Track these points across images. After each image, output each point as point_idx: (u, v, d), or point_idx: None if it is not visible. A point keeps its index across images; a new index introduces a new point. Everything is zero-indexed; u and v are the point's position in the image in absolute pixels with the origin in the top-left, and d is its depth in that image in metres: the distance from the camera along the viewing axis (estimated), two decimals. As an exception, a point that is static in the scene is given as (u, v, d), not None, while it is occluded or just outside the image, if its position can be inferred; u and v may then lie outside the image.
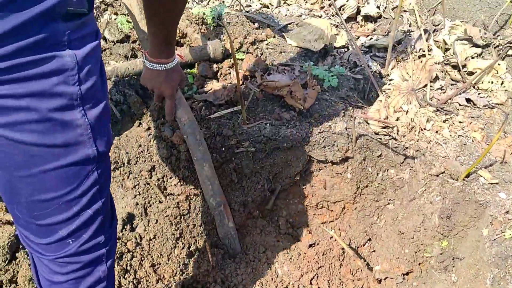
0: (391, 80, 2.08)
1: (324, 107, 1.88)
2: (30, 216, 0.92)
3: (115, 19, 2.12)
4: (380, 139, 1.77)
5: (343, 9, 2.57)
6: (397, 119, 1.86)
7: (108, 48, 2.00)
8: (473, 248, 1.43)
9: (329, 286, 1.74)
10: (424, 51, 2.18)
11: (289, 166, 1.79)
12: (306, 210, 1.90)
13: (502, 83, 2.03)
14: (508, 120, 1.88)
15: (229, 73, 2.03)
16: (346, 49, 2.33)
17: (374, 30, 2.52)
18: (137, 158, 1.73)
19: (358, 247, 1.81)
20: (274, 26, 2.35)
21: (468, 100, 1.98)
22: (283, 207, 1.86)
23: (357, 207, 1.82)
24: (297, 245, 1.87)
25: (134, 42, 2.06)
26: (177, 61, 1.48)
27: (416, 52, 2.23)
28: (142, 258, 1.61)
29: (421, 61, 2.05)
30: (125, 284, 1.52)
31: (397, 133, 1.81)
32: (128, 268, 1.57)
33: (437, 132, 1.82)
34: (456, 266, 1.46)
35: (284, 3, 2.65)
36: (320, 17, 2.52)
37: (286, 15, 2.52)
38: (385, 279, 1.65)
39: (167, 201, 1.72)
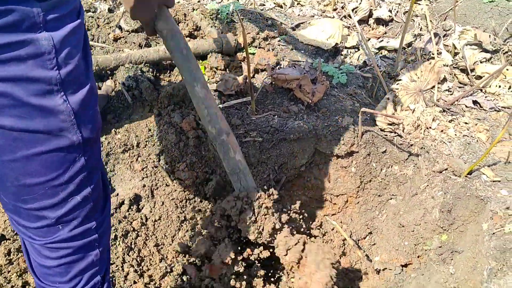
0: (399, 80, 2.10)
1: (332, 102, 1.92)
2: (18, 200, 0.91)
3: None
4: (386, 135, 1.80)
5: (356, 12, 2.61)
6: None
7: (123, 37, 2.07)
8: (472, 242, 1.44)
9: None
10: (433, 54, 2.21)
11: (295, 157, 1.82)
12: (309, 202, 1.92)
13: (510, 87, 2.04)
14: (513, 122, 1.89)
15: (240, 67, 2.08)
16: (356, 49, 2.36)
17: (385, 33, 2.55)
18: (146, 141, 1.77)
19: (358, 240, 1.83)
20: (287, 24, 2.39)
21: (475, 102, 2.00)
22: (287, 198, 1.89)
23: (360, 201, 1.84)
24: (299, 236, 1.89)
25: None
26: None
27: (425, 54, 2.26)
28: (147, 238, 1.65)
29: (429, 63, 2.07)
30: (129, 261, 1.56)
31: (403, 131, 1.83)
32: (133, 246, 1.61)
33: (442, 131, 1.84)
34: (455, 259, 1.47)
35: (298, 3, 2.70)
36: (332, 18, 2.56)
37: (299, 15, 2.57)
38: (383, 270, 1.67)
39: (174, 185, 1.76)
